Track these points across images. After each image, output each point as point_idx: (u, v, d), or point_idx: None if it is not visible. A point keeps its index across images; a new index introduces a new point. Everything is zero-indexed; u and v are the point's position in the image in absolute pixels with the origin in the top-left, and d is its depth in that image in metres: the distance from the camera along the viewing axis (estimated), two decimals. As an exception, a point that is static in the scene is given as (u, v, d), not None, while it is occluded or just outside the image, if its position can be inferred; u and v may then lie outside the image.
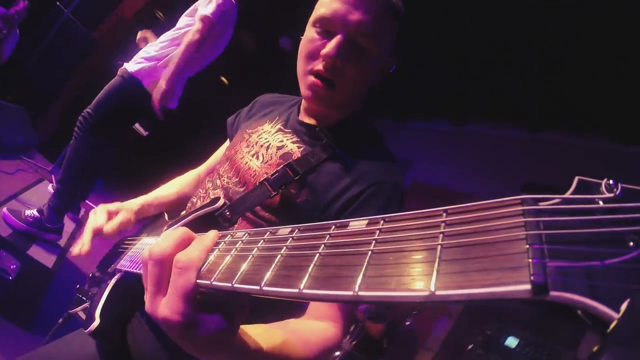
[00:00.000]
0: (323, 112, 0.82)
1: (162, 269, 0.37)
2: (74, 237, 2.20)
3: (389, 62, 0.81)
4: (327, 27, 0.71)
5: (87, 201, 2.71)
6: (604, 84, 2.65)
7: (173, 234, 0.40)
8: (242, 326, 0.42)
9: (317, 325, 0.64)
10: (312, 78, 0.73)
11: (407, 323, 2.74)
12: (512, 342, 2.11)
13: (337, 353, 2.58)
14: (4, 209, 1.88)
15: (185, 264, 0.36)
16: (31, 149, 3.39)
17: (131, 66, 2.08)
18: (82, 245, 0.75)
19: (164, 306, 0.36)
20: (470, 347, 1.92)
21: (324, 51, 0.69)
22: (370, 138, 0.83)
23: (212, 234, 0.40)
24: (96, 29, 4.02)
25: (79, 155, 2.01)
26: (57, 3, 3.55)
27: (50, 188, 2.37)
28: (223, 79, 5.28)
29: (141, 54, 2.13)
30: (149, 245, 0.42)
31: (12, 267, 1.59)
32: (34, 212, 1.95)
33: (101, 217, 0.79)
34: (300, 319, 0.67)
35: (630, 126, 2.88)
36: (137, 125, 2.65)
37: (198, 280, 0.35)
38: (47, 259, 1.69)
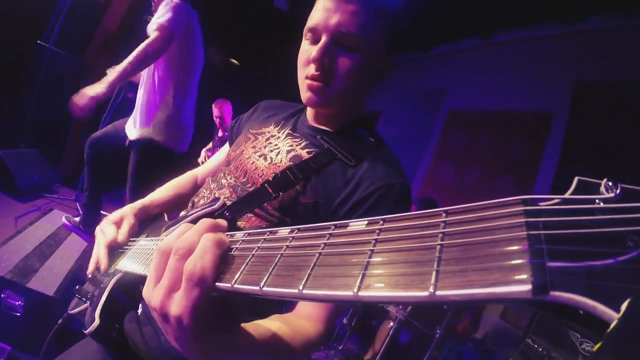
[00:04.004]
0: (326, 113, 0.84)
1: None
2: (85, 258, 2.23)
3: (383, 61, 0.82)
4: (314, 36, 0.77)
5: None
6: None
7: (199, 228, 0.39)
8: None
9: (303, 321, 0.65)
10: (308, 81, 0.78)
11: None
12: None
13: (391, 324, 2.45)
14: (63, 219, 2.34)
15: (201, 278, 0.34)
16: (52, 185, 3.48)
17: (133, 132, 2.02)
18: (100, 262, 0.75)
19: (177, 305, 0.35)
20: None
21: (311, 56, 0.75)
22: (373, 142, 0.84)
23: (226, 239, 0.39)
24: (85, 52, 3.95)
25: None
26: (38, 41, 3.46)
27: (64, 219, 2.43)
28: (234, 60, 5.24)
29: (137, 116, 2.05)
30: (165, 238, 0.41)
31: (17, 303, 1.64)
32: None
33: (110, 230, 0.79)
34: (286, 314, 0.68)
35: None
36: None
37: (216, 284, 0.35)
38: (48, 288, 1.72)
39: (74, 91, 1.74)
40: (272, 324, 0.54)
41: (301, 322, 0.64)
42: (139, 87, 2.09)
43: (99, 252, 0.77)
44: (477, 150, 3.69)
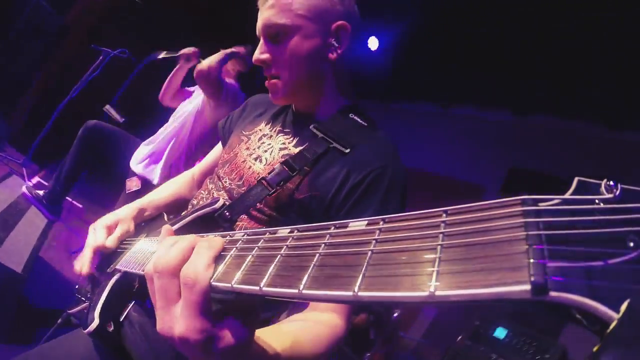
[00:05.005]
0: (301, 103, 0.87)
1: (170, 281, 0.36)
2: (46, 235, 2.15)
3: (330, 29, 0.79)
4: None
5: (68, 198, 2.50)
6: (592, 67, 2.60)
7: (177, 242, 0.38)
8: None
9: (323, 318, 0.64)
10: (266, 84, 0.83)
11: (395, 314, 2.68)
12: (500, 332, 2.09)
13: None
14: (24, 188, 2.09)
15: (194, 280, 0.34)
16: (1, 141, 3.23)
17: (137, 167, 1.96)
18: (83, 265, 0.74)
19: (180, 323, 0.35)
20: (459, 338, 1.94)
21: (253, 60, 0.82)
22: (366, 127, 0.84)
23: (220, 241, 0.39)
24: (67, 13, 3.67)
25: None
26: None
27: (24, 188, 2.22)
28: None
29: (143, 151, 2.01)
30: (151, 256, 0.41)
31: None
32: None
33: (101, 233, 0.78)
34: (305, 311, 0.67)
35: (620, 111, 2.83)
36: (111, 110, 2.51)
37: (213, 283, 0.34)
38: (16, 264, 1.63)
39: (45, 48, 1.63)
40: (289, 330, 0.54)
41: (321, 317, 0.64)
42: (169, 129, 2.05)
43: (84, 255, 0.76)
44: (410, 206, 3.87)
